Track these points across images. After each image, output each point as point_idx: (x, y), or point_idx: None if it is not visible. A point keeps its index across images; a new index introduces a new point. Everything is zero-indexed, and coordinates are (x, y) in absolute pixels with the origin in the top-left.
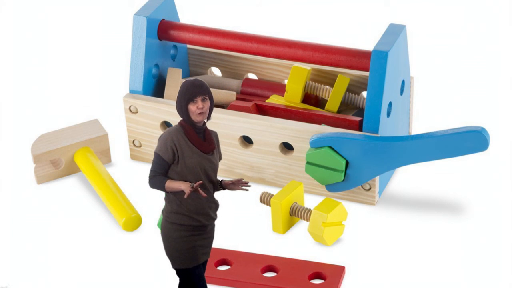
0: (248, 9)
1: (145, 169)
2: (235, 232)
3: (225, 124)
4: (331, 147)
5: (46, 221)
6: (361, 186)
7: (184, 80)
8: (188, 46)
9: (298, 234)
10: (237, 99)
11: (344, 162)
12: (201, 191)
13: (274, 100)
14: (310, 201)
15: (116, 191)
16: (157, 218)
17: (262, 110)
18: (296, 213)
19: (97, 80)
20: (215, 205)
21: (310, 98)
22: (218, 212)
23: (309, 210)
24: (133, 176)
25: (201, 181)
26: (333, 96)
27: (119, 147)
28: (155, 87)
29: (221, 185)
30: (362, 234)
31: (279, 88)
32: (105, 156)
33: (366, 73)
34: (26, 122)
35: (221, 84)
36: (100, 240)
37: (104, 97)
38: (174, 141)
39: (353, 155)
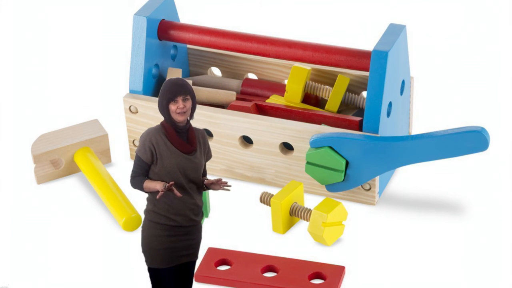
0: (248, 9)
1: None
2: (235, 232)
3: (225, 124)
4: (331, 147)
5: (46, 221)
6: (361, 186)
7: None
8: (188, 46)
9: (298, 234)
10: (237, 99)
11: (344, 162)
12: (176, 191)
13: (274, 100)
14: (310, 201)
15: (116, 191)
16: None
17: (262, 110)
18: (296, 213)
19: (97, 80)
20: (196, 206)
21: (310, 98)
22: (219, 212)
23: (309, 210)
24: None
25: (172, 182)
26: (333, 96)
27: (119, 147)
28: (155, 87)
29: (205, 185)
30: (362, 234)
31: (279, 88)
32: (105, 156)
33: (366, 73)
34: (26, 122)
35: (221, 84)
36: (100, 240)
37: (104, 97)
38: (152, 142)
39: (353, 155)
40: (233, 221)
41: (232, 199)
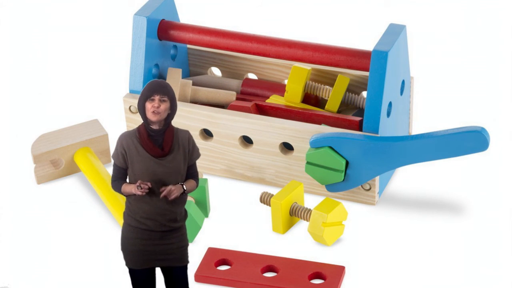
0: (248, 9)
1: None
2: (235, 232)
3: (225, 124)
4: (331, 147)
5: (46, 221)
6: (361, 186)
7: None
8: (188, 46)
9: (298, 234)
10: (237, 99)
11: (344, 162)
12: (138, 191)
13: (274, 100)
14: (310, 201)
15: None
16: None
17: (262, 110)
18: (296, 213)
19: (97, 80)
20: (169, 212)
21: (310, 98)
22: (219, 212)
23: (309, 210)
24: None
25: (147, 184)
26: (333, 96)
27: None
28: None
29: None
30: (362, 234)
31: (279, 88)
32: (105, 156)
33: (366, 73)
34: (26, 122)
35: (221, 84)
36: (100, 240)
37: (104, 97)
38: (124, 146)
39: (353, 155)
40: (233, 221)
41: (232, 199)
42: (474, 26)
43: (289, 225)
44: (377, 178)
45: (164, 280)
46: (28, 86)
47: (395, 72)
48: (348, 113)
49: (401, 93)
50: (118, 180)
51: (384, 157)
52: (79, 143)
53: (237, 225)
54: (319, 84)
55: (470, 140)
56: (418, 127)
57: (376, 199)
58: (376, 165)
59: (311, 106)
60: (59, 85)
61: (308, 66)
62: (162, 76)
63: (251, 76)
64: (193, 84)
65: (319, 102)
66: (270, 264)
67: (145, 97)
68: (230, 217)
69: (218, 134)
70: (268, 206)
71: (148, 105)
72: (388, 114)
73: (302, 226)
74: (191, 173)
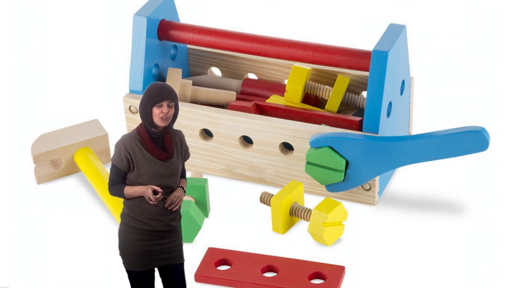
0: (248, 9)
1: None
2: (235, 232)
3: (225, 124)
4: (331, 147)
5: (46, 221)
6: (361, 186)
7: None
8: (188, 46)
9: (298, 234)
10: (237, 99)
11: (344, 162)
12: (152, 199)
13: (274, 100)
14: (310, 201)
15: None
16: None
17: (262, 110)
18: (296, 213)
19: (97, 80)
20: (172, 212)
21: (310, 98)
22: (219, 212)
23: (309, 210)
24: None
25: (160, 190)
26: (333, 96)
27: None
28: None
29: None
30: (362, 234)
31: (279, 88)
32: (105, 156)
33: (366, 73)
34: (26, 122)
35: (221, 84)
36: (100, 240)
37: (104, 97)
38: (128, 150)
39: (353, 155)
40: (233, 221)
41: (232, 199)
42: (474, 26)
43: (289, 225)
44: (377, 178)
45: (161, 280)
46: (28, 86)
47: (395, 72)
48: (348, 113)
49: (401, 93)
50: (117, 184)
51: (384, 157)
52: (79, 143)
53: (237, 225)
54: (319, 84)
55: (470, 140)
56: (418, 127)
57: (376, 199)
58: (376, 165)
59: (311, 106)
60: (59, 85)
61: (308, 66)
62: (162, 76)
63: (251, 76)
64: (193, 84)
65: (319, 102)
66: (270, 264)
67: (153, 102)
68: (230, 217)
69: (218, 134)
70: (268, 206)
71: (156, 111)
72: (388, 114)
73: (302, 226)
74: (182, 172)
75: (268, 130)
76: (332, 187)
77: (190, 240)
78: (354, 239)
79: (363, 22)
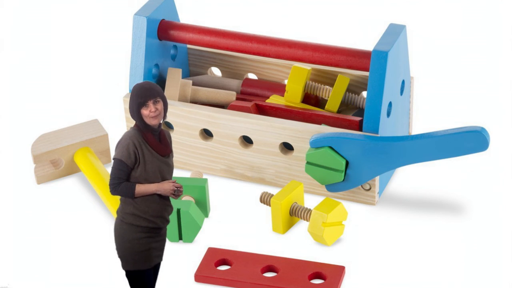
0: (248, 9)
1: None
2: (235, 232)
3: (225, 124)
4: (331, 147)
5: (46, 221)
6: (361, 186)
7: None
8: (188, 46)
9: (298, 234)
10: (237, 99)
11: (344, 162)
12: (173, 194)
13: (274, 100)
14: (310, 201)
15: None
16: None
17: (262, 110)
18: (296, 213)
19: (97, 80)
20: (170, 208)
21: (310, 98)
22: (219, 212)
23: (309, 210)
24: None
25: (181, 186)
26: (333, 96)
27: None
28: None
29: None
30: (362, 234)
31: (279, 88)
32: (105, 156)
33: (366, 73)
34: (26, 122)
35: (221, 84)
36: (100, 240)
37: (104, 97)
38: (136, 145)
39: (353, 155)
40: (233, 221)
41: (232, 199)
42: (474, 26)
43: (289, 225)
44: (377, 178)
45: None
46: (29, 86)
47: (395, 72)
48: (348, 113)
49: (401, 93)
50: (124, 182)
51: (384, 157)
52: (79, 143)
53: (237, 225)
54: (319, 84)
55: (470, 140)
56: (418, 127)
57: (376, 199)
58: (376, 165)
59: (311, 106)
60: (60, 85)
61: (308, 66)
62: (162, 76)
63: (251, 76)
64: (193, 84)
65: (319, 102)
66: (270, 264)
67: (138, 105)
68: (230, 217)
69: (218, 134)
70: (268, 206)
71: (145, 112)
72: (388, 114)
73: (302, 226)
74: None
75: (268, 130)
76: (332, 187)
77: (190, 240)
78: (354, 239)
79: (363, 22)
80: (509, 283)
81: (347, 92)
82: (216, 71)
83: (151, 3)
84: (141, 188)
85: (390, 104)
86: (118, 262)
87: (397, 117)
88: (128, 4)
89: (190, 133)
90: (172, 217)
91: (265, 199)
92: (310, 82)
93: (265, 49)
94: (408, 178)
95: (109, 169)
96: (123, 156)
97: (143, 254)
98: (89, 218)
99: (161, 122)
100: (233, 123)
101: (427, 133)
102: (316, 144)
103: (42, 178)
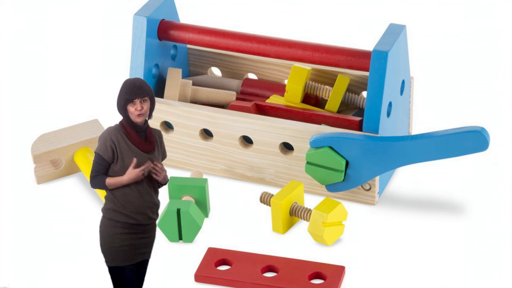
0: (248, 9)
1: None
2: (235, 232)
3: (225, 124)
4: (331, 147)
5: (46, 221)
6: (361, 186)
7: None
8: (188, 46)
9: (298, 234)
10: (237, 99)
11: (344, 162)
12: (152, 166)
13: (274, 100)
14: (310, 201)
15: None
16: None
17: (262, 110)
18: (296, 213)
19: (97, 80)
20: (155, 205)
21: (310, 98)
22: (219, 212)
23: (309, 210)
24: None
25: (150, 164)
26: (333, 96)
27: None
28: (155, 87)
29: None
30: (362, 234)
31: (279, 88)
32: None
33: (366, 73)
34: (26, 122)
35: (221, 84)
36: None
37: (104, 97)
38: (113, 140)
39: (353, 155)
40: (233, 221)
41: (232, 199)
42: (474, 26)
43: (289, 225)
44: (377, 178)
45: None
46: (28, 86)
47: (395, 72)
48: (348, 113)
49: (401, 93)
50: (100, 175)
51: (384, 157)
52: (79, 143)
53: (237, 225)
54: (319, 84)
55: (470, 140)
56: (418, 127)
57: (376, 199)
58: (376, 165)
59: (311, 106)
60: (59, 85)
61: (308, 66)
62: (162, 76)
63: (251, 76)
64: (193, 84)
65: (319, 102)
66: (270, 264)
67: (126, 101)
68: (230, 217)
69: (218, 134)
70: (268, 206)
71: (131, 109)
72: (388, 114)
73: (302, 226)
74: None
75: (268, 130)
76: (332, 187)
77: (190, 240)
78: (354, 239)
79: (363, 22)
80: (509, 283)
81: (347, 92)
82: (216, 71)
83: (151, 3)
84: (112, 180)
85: (390, 104)
86: None
87: (397, 117)
88: (128, 4)
89: (190, 133)
90: (172, 217)
91: (265, 199)
92: (310, 82)
93: (265, 49)
94: (408, 178)
95: None
96: (100, 151)
97: (121, 250)
98: (89, 218)
99: (146, 119)
100: (233, 123)
101: (427, 133)
102: (316, 144)
103: (42, 178)
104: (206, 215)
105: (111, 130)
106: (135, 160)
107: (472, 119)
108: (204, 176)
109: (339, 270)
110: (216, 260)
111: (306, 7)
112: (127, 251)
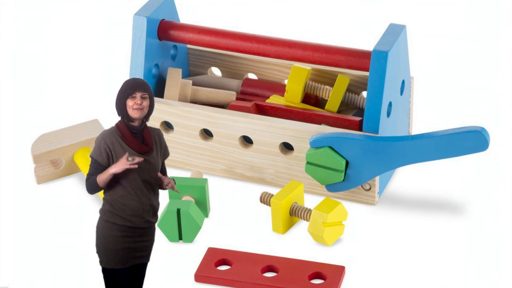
0: (248, 9)
1: None
2: (235, 232)
3: (225, 124)
4: (331, 147)
5: (46, 221)
6: (361, 186)
7: (186, 79)
8: (188, 46)
9: (298, 234)
10: (237, 99)
11: (344, 162)
12: (128, 164)
13: (274, 100)
14: (310, 201)
15: None
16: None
17: (262, 110)
18: (296, 213)
19: (97, 80)
20: (151, 207)
21: (310, 98)
22: (219, 212)
23: (309, 210)
24: None
25: (137, 159)
26: (333, 96)
27: None
28: (155, 87)
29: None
30: (362, 234)
31: (279, 88)
32: None
33: (366, 73)
34: (26, 122)
35: (221, 84)
36: None
37: (104, 97)
38: (108, 144)
39: (353, 155)
40: (233, 221)
41: (232, 199)
42: (474, 26)
43: (289, 225)
44: (377, 178)
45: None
46: (28, 86)
47: (395, 72)
48: (348, 113)
49: (401, 93)
50: (93, 177)
51: (384, 157)
52: (79, 143)
53: (237, 225)
54: (319, 84)
55: (470, 140)
56: (418, 127)
57: (376, 199)
58: (376, 165)
59: (311, 106)
60: (59, 85)
61: (308, 66)
62: (162, 76)
63: (251, 76)
64: (193, 84)
65: (319, 102)
66: (270, 264)
67: (126, 95)
68: (230, 217)
69: (218, 134)
70: (268, 206)
71: (130, 102)
72: (388, 114)
73: (302, 226)
74: (163, 170)
75: (268, 130)
76: (332, 187)
77: (190, 240)
78: (354, 239)
79: (363, 22)
80: (509, 283)
81: (347, 92)
82: (216, 71)
83: (151, 3)
84: (101, 176)
85: (390, 104)
86: None
87: (397, 117)
88: (128, 4)
89: (190, 133)
90: (172, 217)
91: (265, 199)
92: (310, 82)
93: (265, 49)
94: (408, 178)
95: None
96: (95, 154)
97: (116, 253)
98: (89, 218)
99: (143, 120)
100: (233, 123)
101: (427, 133)
102: (316, 144)
103: (42, 178)
104: (206, 215)
105: (105, 133)
106: (127, 154)
107: (472, 119)
108: (204, 176)
109: (339, 270)
110: (216, 260)
111: (306, 7)
112: (122, 254)
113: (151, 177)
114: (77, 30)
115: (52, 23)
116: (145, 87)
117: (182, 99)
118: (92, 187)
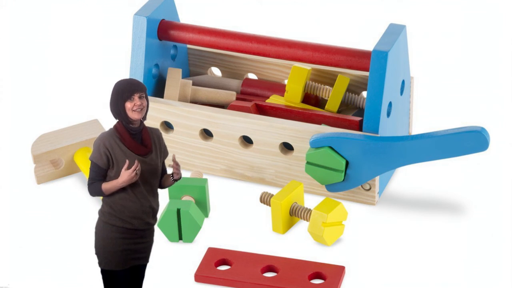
0: (248, 9)
1: None
2: (235, 232)
3: (225, 124)
4: (331, 147)
5: (46, 221)
6: (361, 186)
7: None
8: (188, 46)
9: (298, 234)
10: (237, 99)
11: (344, 162)
12: (134, 176)
13: (274, 100)
14: (310, 201)
15: None
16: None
17: (262, 110)
18: (296, 213)
19: (97, 80)
20: (151, 209)
21: (310, 98)
22: (219, 212)
23: (309, 210)
24: None
25: (138, 165)
26: (333, 96)
27: None
28: (155, 87)
29: (161, 185)
30: (362, 234)
31: (279, 88)
32: None
33: (366, 73)
34: (26, 122)
35: (221, 84)
36: None
37: (104, 97)
38: (107, 146)
39: (353, 155)
40: (233, 221)
41: (232, 199)
42: (474, 26)
43: (289, 225)
44: (377, 178)
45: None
46: (29, 86)
47: (395, 72)
48: (348, 113)
49: (401, 93)
50: (97, 182)
51: (384, 157)
52: (79, 143)
53: (237, 225)
54: (319, 84)
55: (470, 140)
56: (418, 127)
57: (376, 199)
58: (376, 165)
59: (311, 106)
60: (59, 85)
61: (308, 66)
62: (162, 76)
63: (251, 76)
64: (193, 84)
65: (319, 102)
66: (270, 264)
67: (124, 98)
68: (230, 217)
69: (218, 134)
70: (268, 206)
71: (129, 105)
72: (388, 114)
73: (302, 226)
74: (163, 170)
75: (268, 130)
76: (332, 187)
77: (190, 240)
78: (354, 239)
79: (363, 22)
80: (509, 283)
81: (347, 92)
82: (216, 71)
83: (151, 3)
84: (108, 185)
85: (390, 104)
86: None
87: (397, 117)
88: (128, 4)
89: (190, 133)
90: (172, 217)
91: (265, 199)
92: (310, 82)
93: (265, 49)
94: (408, 178)
95: None
96: (94, 158)
97: (115, 254)
98: (89, 218)
99: (142, 120)
100: (233, 123)
101: (427, 133)
102: (316, 144)
103: (42, 178)
104: (206, 215)
105: (104, 136)
106: (127, 162)
107: (472, 119)
108: (204, 176)
109: (339, 270)
110: (216, 260)
111: (306, 7)
112: (121, 255)
113: (150, 178)
114: (77, 30)
115: (52, 23)
116: (142, 87)
117: (182, 99)
118: (95, 193)
